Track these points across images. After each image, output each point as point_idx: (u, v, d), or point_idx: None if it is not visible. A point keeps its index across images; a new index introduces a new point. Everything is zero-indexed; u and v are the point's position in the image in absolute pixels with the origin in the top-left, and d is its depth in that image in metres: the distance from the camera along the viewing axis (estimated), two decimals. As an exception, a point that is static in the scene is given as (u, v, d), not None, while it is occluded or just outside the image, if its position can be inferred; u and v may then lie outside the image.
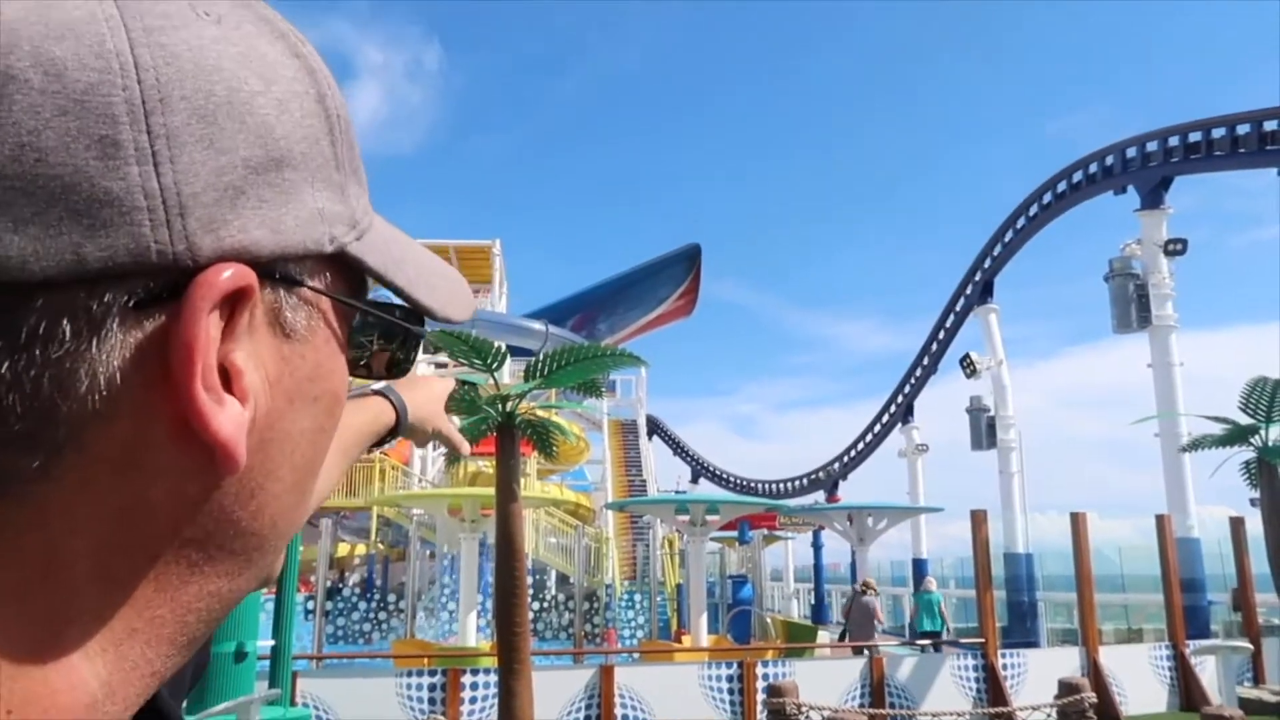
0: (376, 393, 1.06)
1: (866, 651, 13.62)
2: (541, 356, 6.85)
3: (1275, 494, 9.59)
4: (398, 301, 0.57)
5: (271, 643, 9.88)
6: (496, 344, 6.53)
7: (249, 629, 9.45)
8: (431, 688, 11.01)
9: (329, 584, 22.08)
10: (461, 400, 6.65)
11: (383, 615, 21.32)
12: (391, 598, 21.73)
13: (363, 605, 21.42)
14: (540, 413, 9.13)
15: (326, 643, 20.31)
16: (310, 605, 20.86)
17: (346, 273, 0.46)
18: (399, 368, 0.57)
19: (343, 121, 0.46)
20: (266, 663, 9.81)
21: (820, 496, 36.66)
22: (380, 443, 1.05)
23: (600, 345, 7.16)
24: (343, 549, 28.26)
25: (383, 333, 0.53)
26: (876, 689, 12.34)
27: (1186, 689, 13.69)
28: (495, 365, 6.67)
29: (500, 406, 6.76)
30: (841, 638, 17.22)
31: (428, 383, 1.15)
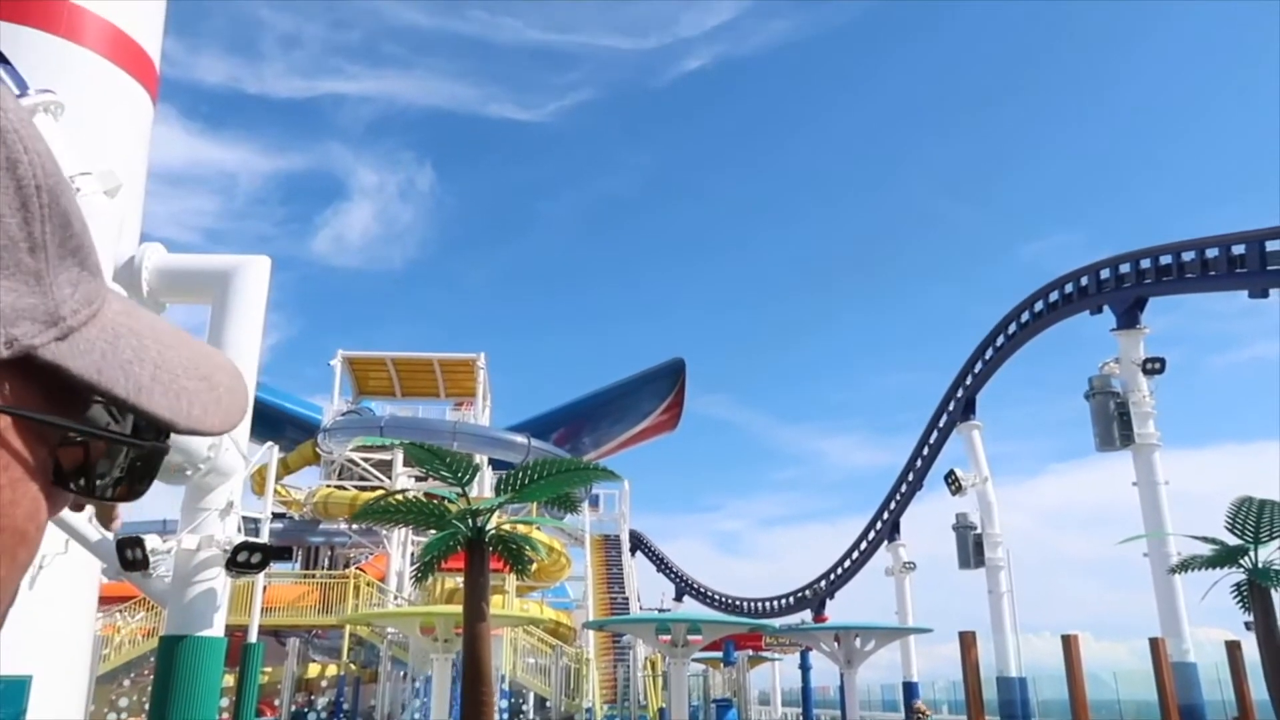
0: None
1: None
2: (515, 470, 6.68)
3: (1269, 618, 9.35)
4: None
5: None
6: (467, 457, 6.36)
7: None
8: (394, 823, 10.36)
9: (295, 708, 21.12)
10: (429, 514, 6.44)
11: (350, 741, 20.32)
12: (360, 722, 20.76)
13: (330, 730, 20.44)
14: (515, 528, 8.88)
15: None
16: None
17: (47, 379, 0.40)
18: (135, 490, 0.48)
19: (48, 195, 0.39)
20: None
21: (807, 615, 35.79)
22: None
23: (575, 459, 7.00)
24: (313, 669, 27.18)
25: (105, 452, 0.45)
26: (866, 825, 11.71)
27: (1192, 825, 13.07)
28: (466, 479, 6.49)
29: (470, 522, 6.54)
30: None
31: None
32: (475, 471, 6.54)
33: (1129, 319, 22.19)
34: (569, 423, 33.85)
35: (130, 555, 8.28)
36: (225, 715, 10.43)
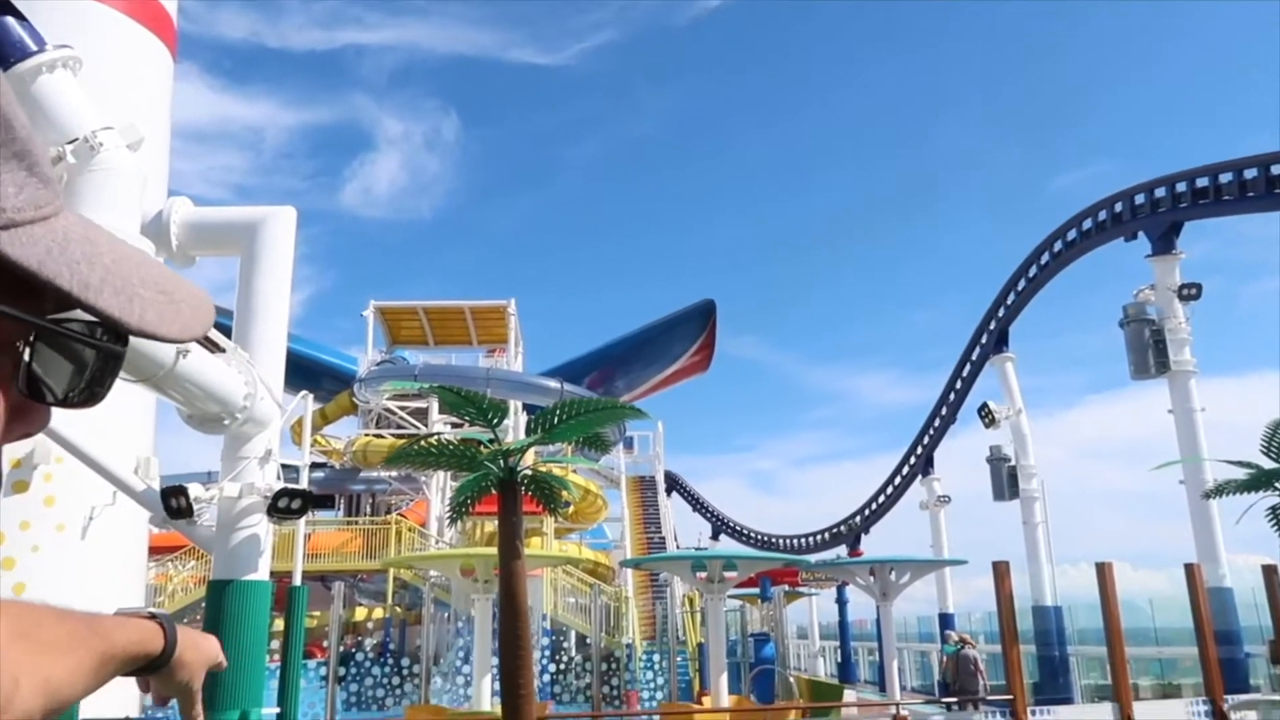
0: (153, 617, 1.01)
1: (890, 710, 13.21)
2: (544, 411, 6.76)
3: (1306, 539, 9.30)
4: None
5: (277, 710, 9.70)
6: (494, 398, 6.44)
7: (253, 696, 9.28)
8: (441, 755, 10.73)
9: (343, 649, 21.78)
10: (461, 457, 6.55)
11: (397, 680, 20.94)
12: (407, 662, 21.37)
13: (377, 670, 21.06)
14: (549, 469, 9.00)
15: (340, 709, 19.94)
16: (324, 672, 20.54)
17: None
18: (87, 391, 0.50)
19: None
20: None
21: (843, 551, 36.08)
22: (135, 672, 0.99)
23: (604, 399, 7.06)
24: (360, 613, 27.98)
25: (51, 345, 0.47)
26: (902, 750, 11.93)
27: (1227, 746, 13.15)
28: (496, 421, 6.57)
29: (501, 462, 6.65)
30: (945, 691, 18.08)
31: (201, 637, 1.11)
32: (504, 413, 6.62)
33: (1164, 244, 21.73)
34: (601, 367, 34.02)
35: (175, 504, 8.52)
36: (275, 656, 10.79)
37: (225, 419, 8.75)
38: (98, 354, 0.49)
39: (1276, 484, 9.42)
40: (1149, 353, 21.33)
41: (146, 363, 7.24)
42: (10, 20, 7.04)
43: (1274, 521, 9.68)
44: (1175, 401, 20.99)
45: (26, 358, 0.47)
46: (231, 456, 9.42)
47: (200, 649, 1.07)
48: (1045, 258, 26.44)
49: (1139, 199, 22.60)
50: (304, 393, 10.66)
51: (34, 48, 6.93)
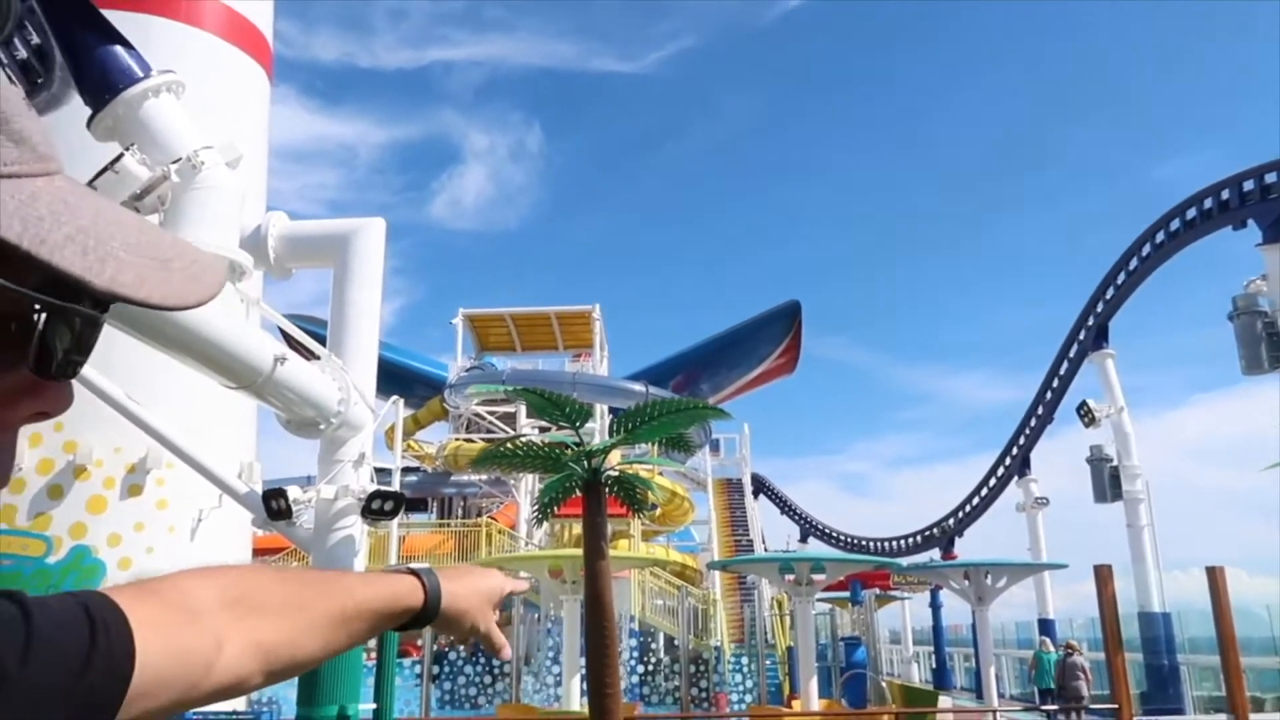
0: (412, 572, 1.00)
1: (990, 717, 12.86)
2: (627, 412, 6.80)
3: None
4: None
5: (373, 706, 9.96)
6: (578, 400, 6.51)
7: (351, 693, 9.55)
8: (532, 754, 10.87)
9: (436, 649, 22.26)
10: (545, 458, 6.64)
11: (488, 679, 21.30)
12: (498, 662, 21.73)
13: (469, 669, 21.47)
14: (630, 469, 9.05)
15: (435, 707, 20.37)
16: (419, 670, 21.03)
17: None
18: (59, 363, 0.47)
19: None
20: (370, 727, 9.89)
21: (936, 555, 35.25)
22: (402, 628, 0.99)
23: (686, 399, 7.07)
24: (453, 614, 28.54)
25: (13, 309, 0.45)
26: (999, 758, 11.59)
27: (1354, 762, 12.40)
28: (579, 423, 6.64)
29: (585, 464, 6.71)
30: (1051, 694, 18.76)
31: (480, 574, 1.09)
32: (588, 415, 6.68)
33: (1276, 232, 20.59)
34: (685, 370, 34.02)
35: (275, 505, 8.84)
36: (371, 655, 11.10)
37: (321, 424, 9.04)
38: (73, 321, 0.46)
39: (1404, 483, 8.83)
40: (1261, 346, 20.28)
41: (247, 371, 7.55)
42: (119, 49, 7.44)
43: (1402, 523, 9.07)
44: (1291, 397, 19.91)
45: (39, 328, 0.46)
46: (327, 460, 9.74)
47: (480, 590, 1.06)
48: (1147, 249, 25.39)
49: (1248, 185, 21.49)
50: (395, 398, 10.96)
51: (140, 74, 7.30)
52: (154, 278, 0.47)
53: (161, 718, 0.69)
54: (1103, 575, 13.07)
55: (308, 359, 9.06)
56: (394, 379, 28.66)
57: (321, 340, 10.02)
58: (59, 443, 11.53)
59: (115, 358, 9.23)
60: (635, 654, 21.66)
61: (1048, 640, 21.88)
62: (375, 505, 8.05)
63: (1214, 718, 13.47)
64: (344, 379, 9.22)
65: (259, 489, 9.89)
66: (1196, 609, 23.28)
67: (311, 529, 9.63)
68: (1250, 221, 21.45)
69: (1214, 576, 13.38)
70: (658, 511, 28.49)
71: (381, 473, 10.65)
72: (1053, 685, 18.54)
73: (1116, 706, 12.40)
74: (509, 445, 7.14)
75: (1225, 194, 22.15)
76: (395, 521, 11.26)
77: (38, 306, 0.45)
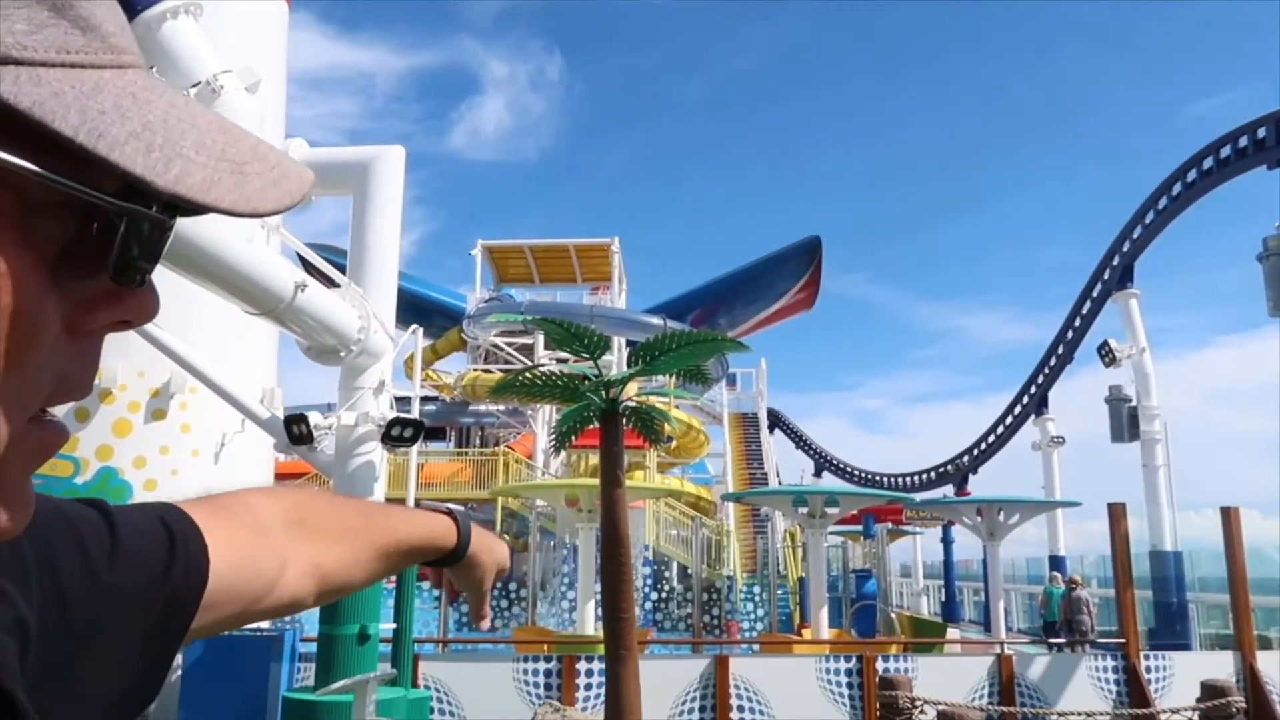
0: (449, 513, 1.04)
1: (994, 650, 13.07)
2: (645, 343, 6.82)
3: None
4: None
5: (394, 626, 10.25)
6: (596, 331, 6.53)
7: (371, 613, 9.82)
8: (547, 674, 11.17)
9: (456, 573, 22.75)
10: (562, 387, 6.69)
11: (505, 604, 21.79)
12: (514, 586, 22.20)
13: (487, 594, 21.96)
14: (648, 401, 9.11)
15: (452, 629, 20.91)
16: (437, 594, 21.53)
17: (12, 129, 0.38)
18: (128, 268, 0.45)
19: None
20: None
21: (949, 491, 35.45)
22: (429, 563, 1.03)
23: (704, 331, 7.07)
24: (471, 540, 29.08)
25: (84, 213, 0.43)
26: (1005, 687, 11.81)
27: (1359, 699, 12.55)
28: (598, 353, 6.67)
29: (603, 394, 6.76)
30: (1051, 628, 19.31)
31: (494, 539, 1.13)
32: (606, 346, 6.71)
33: (1312, 169, 20.17)
34: (704, 304, 33.94)
35: (297, 431, 8.98)
36: (392, 578, 11.35)
37: (341, 351, 9.13)
38: (141, 225, 0.44)
39: None
40: (1290, 287, 20.00)
41: (269, 297, 7.60)
42: (135, -32, 7.35)
43: None
44: (1317, 339, 19.67)
45: (121, 232, 0.44)
46: (348, 387, 9.86)
47: (494, 551, 1.11)
48: (1178, 188, 24.88)
49: (1284, 122, 20.95)
50: (414, 327, 11.02)
51: (155, -6, 7.23)
52: (226, 181, 0.44)
53: (223, 629, 0.72)
54: (1116, 513, 13.13)
55: (328, 287, 9.11)
56: (413, 309, 28.76)
57: (341, 269, 10.07)
58: (84, 366, 11.68)
59: (138, 282, 9.29)
60: (649, 582, 22.06)
61: (1058, 575, 22.14)
62: (395, 432, 8.17)
63: (1221, 654, 13.62)
64: (364, 306, 9.28)
65: (281, 414, 10.05)
66: (1208, 549, 23.42)
67: (332, 455, 9.79)
68: (1285, 159, 20.96)
69: (1228, 517, 13.41)
70: (673, 444, 28.72)
71: (401, 401, 10.77)
72: (1056, 617, 19.22)
73: (1124, 641, 12.56)
74: (527, 375, 7.19)
75: (1262, 131, 21.60)
76: (415, 449, 11.43)
77: (116, 217, 0.43)
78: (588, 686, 11.03)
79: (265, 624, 13.00)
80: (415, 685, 10.49)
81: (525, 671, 11.18)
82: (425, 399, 30.69)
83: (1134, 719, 9.02)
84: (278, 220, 11.77)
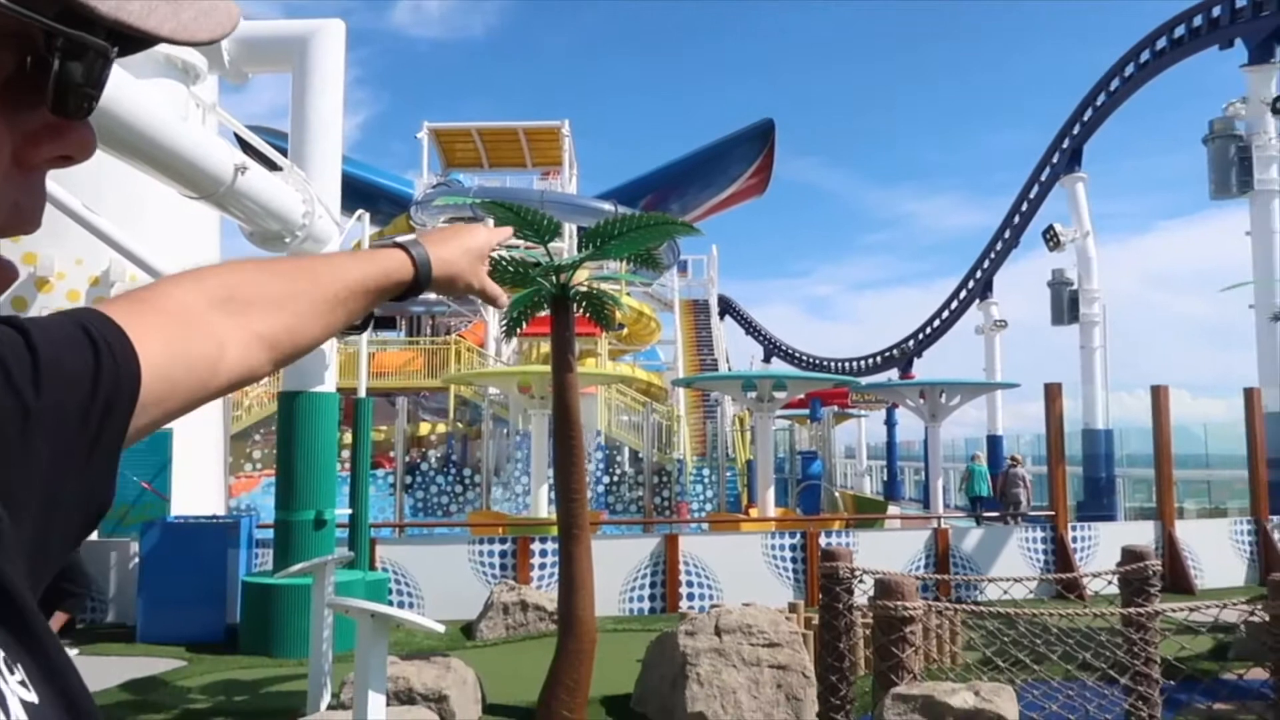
0: (398, 245, 1.01)
1: (932, 524, 13.67)
2: (595, 227, 6.76)
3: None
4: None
5: (349, 512, 10.39)
6: (547, 215, 6.45)
7: (327, 498, 9.93)
8: (503, 554, 11.47)
9: (409, 461, 22.95)
10: (512, 273, 6.64)
11: (459, 489, 22.13)
12: (468, 472, 22.50)
13: (441, 480, 22.25)
14: (599, 286, 9.11)
15: (408, 514, 21.24)
16: (392, 480, 21.77)
17: None
18: (72, 96, 0.47)
19: None
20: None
21: (894, 375, 36.30)
22: (399, 298, 1.02)
23: (655, 214, 7.02)
24: (424, 428, 29.27)
25: (25, 41, 0.44)
26: (941, 558, 12.43)
27: (1267, 563, 13.43)
28: (547, 237, 6.61)
29: (553, 279, 6.73)
30: (980, 502, 20.20)
31: (466, 233, 1.10)
32: (556, 230, 6.64)
33: (1263, 52, 20.20)
34: (656, 189, 33.55)
35: (243, 318, 8.86)
36: (346, 466, 11.44)
37: (285, 236, 8.93)
38: (85, 52, 0.45)
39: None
40: (1232, 171, 20.33)
41: (207, 180, 7.36)
42: None
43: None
44: (1255, 222, 20.14)
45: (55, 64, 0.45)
46: (294, 274, 9.69)
47: (469, 249, 1.09)
48: (1130, 69, 24.87)
49: (1240, 2, 20.89)
50: (360, 212, 10.79)
51: None
52: (162, 9, 0.46)
53: (181, 414, 0.73)
54: (1051, 393, 13.60)
55: (269, 171, 8.84)
56: (359, 195, 28.02)
57: (283, 152, 9.75)
58: (17, 255, 11.29)
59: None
60: (601, 466, 22.49)
61: (980, 454, 23.08)
62: (344, 318, 8.09)
63: (1143, 524, 14.41)
64: (307, 190, 9.04)
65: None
66: (1137, 427, 24.48)
67: (281, 342, 9.70)
68: (1238, 41, 21.00)
69: (1158, 395, 13.98)
70: (625, 330, 28.86)
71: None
72: (984, 494, 20.21)
73: (1054, 514, 13.21)
74: (477, 259, 7.11)
75: (1216, 10, 21.53)
76: (365, 338, 11.35)
77: (56, 46, 0.44)
78: (542, 566, 11.36)
79: (221, 511, 13.09)
80: (373, 568, 10.71)
81: (481, 553, 11.45)
82: (373, 287, 30.24)
83: (1057, 583, 9.58)
84: (214, 99, 11.28)
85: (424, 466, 22.76)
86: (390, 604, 10.73)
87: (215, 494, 13.31)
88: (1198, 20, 22.22)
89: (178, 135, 6.77)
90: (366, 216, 11.16)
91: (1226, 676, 6.60)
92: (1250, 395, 14.37)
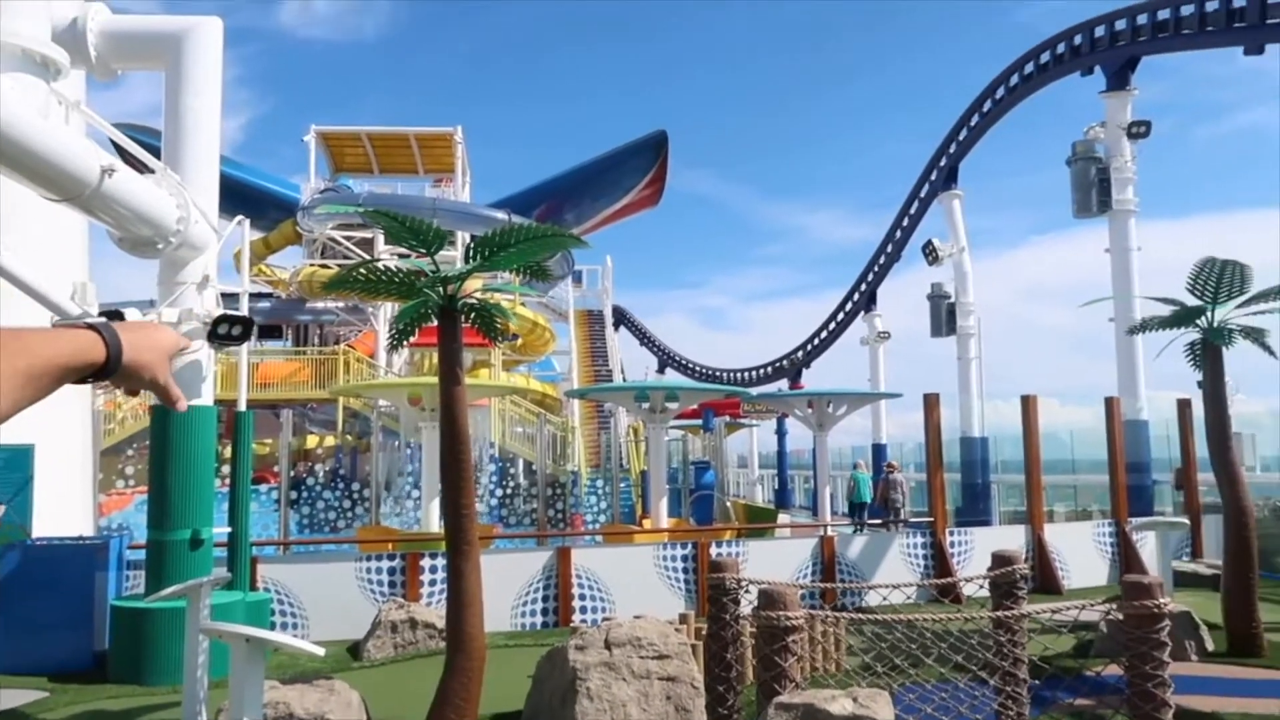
0: (90, 326, 1.00)
1: (819, 532, 14.00)
2: (483, 238, 6.70)
3: (1218, 375, 9.76)
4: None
5: (229, 530, 9.97)
6: (435, 225, 6.36)
7: (204, 516, 9.51)
8: (391, 571, 11.20)
9: (296, 475, 22.21)
10: (400, 284, 6.53)
11: (348, 504, 21.54)
12: (357, 487, 21.93)
13: (328, 495, 21.61)
14: (496, 299, 9.02)
15: (294, 530, 20.55)
16: (276, 496, 21.03)
17: None
18: None
19: None
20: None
21: (784, 385, 37.11)
22: (83, 380, 1.00)
23: (545, 226, 7.00)
24: (311, 440, 28.38)
25: None
26: (828, 566, 12.74)
27: (1127, 563, 14.23)
28: (434, 248, 6.52)
29: (441, 290, 6.64)
30: (859, 510, 21.33)
31: (156, 329, 1.10)
32: (443, 240, 6.55)
33: (1119, 80, 21.59)
34: (550, 199, 33.49)
35: (111, 329, 8.43)
36: (225, 481, 10.98)
37: (159, 242, 8.55)
38: None
39: (1197, 321, 9.78)
40: (1093, 191, 21.57)
41: (70, 182, 6.99)
42: None
43: (1191, 358, 10.10)
44: (1113, 240, 21.43)
45: None
46: (168, 282, 9.27)
47: (156, 345, 1.08)
48: (1001, 92, 26.16)
49: (1099, 31, 22.25)
50: (240, 218, 10.42)
51: None
52: None
53: None
54: (930, 403, 14.12)
55: (142, 172, 8.44)
56: (242, 199, 27.07)
57: (156, 153, 9.33)
58: None
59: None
60: (495, 479, 22.26)
61: (863, 462, 23.96)
62: (222, 330, 7.76)
63: (1015, 528, 15.10)
64: (182, 195, 8.68)
65: (95, 312, 9.37)
66: (1010, 434, 25.66)
67: (153, 353, 9.27)
68: (1097, 68, 22.33)
69: (1027, 404, 14.68)
70: (518, 341, 28.66)
71: (229, 297, 10.24)
72: (867, 500, 21.33)
73: (933, 520, 13.71)
74: (361, 270, 6.95)
75: (1077, 39, 22.86)
76: (246, 348, 10.95)
77: None
78: (432, 583, 11.15)
79: (89, 531, 12.38)
80: (254, 589, 10.31)
81: (369, 570, 11.16)
82: (258, 295, 29.26)
83: (935, 588, 9.95)
84: (80, 96, 10.72)
85: (311, 481, 22.07)
86: (273, 625, 10.35)
87: (83, 513, 12.61)
88: (1061, 48, 23.56)
89: (35, 133, 6.41)
90: (247, 222, 10.79)
91: (1088, 673, 6.96)
92: (1110, 404, 15.23)
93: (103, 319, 1.05)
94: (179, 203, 8.56)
